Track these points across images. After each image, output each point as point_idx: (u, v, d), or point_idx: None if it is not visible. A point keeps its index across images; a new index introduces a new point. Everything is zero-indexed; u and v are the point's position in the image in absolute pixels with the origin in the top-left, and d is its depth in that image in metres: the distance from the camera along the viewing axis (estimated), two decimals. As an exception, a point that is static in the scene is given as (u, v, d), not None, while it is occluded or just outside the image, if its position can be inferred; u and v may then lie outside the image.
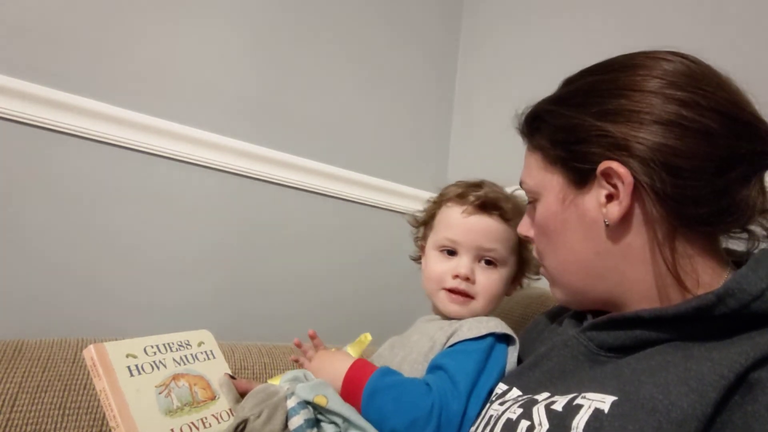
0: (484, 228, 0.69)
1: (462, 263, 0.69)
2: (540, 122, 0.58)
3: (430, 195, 0.81)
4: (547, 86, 0.59)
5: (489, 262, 0.70)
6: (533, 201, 0.59)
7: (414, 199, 1.38)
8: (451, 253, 0.70)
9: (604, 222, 0.50)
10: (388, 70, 1.47)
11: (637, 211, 0.49)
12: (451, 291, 0.69)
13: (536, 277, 0.76)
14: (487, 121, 1.50)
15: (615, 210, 0.49)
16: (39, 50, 0.95)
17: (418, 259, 0.81)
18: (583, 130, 0.51)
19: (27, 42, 0.94)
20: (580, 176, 0.52)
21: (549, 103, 0.57)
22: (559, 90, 0.58)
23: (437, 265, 0.71)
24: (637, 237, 0.49)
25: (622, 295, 0.52)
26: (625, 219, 0.49)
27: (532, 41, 1.40)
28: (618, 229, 0.50)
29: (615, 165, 0.48)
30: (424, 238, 0.78)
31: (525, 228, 0.62)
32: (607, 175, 0.49)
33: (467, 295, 0.68)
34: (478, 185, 0.73)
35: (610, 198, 0.50)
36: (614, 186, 0.49)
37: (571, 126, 0.52)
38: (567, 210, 0.53)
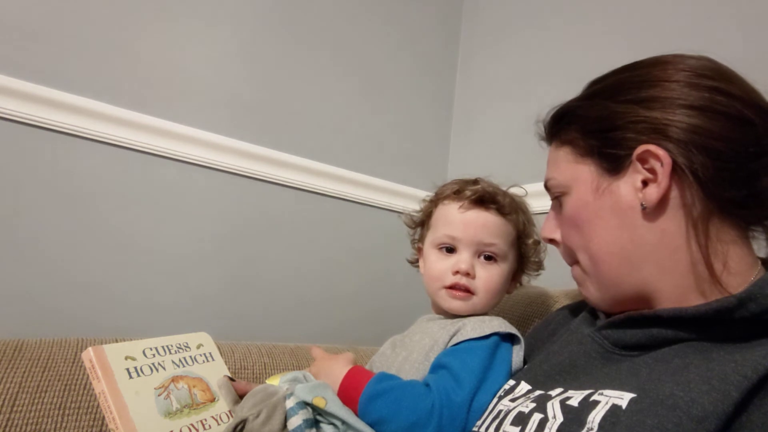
0: (483, 222, 0.68)
1: (462, 259, 0.68)
2: (570, 117, 0.58)
3: (428, 195, 0.81)
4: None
5: (489, 258, 0.69)
6: (560, 196, 0.59)
7: (413, 199, 1.37)
8: (450, 250, 0.70)
9: (641, 206, 0.50)
10: (388, 70, 1.47)
11: (674, 194, 0.49)
12: (453, 287, 0.68)
13: (536, 273, 0.76)
14: (487, 121, 1.50)
15: (653, 193, 0.49)
16: (39, 50, 0.95)
17: (415, 262, 0.80)
18: (617, 117, 0.52)
19: (27, 42, 0.94)
20: (615, 163, 0.52)
21: (578, 100, 0.58)
22: (586, 90, 0.59)
23: (437, 264, 0.70)
24: (673, 222, 0.49)
25: (654, 286, 0.51)
26: (662, 203, 0.49)
27: (532, 41, 1.39)
28: (654, 213, 0.50)
29: (653, 148, 0.49)
30: (422, 239, 0.77)
31: (550, 230, 0.62)
32: (644, 159, 0.50)
33: (468, 291, 0.68)
34: (474, 181, 0.73)
35: (645, 184, 0.50)
36: (650, 170, 0.50)
37: (604, 115, 0.53)
38: (601, 198, 0.53)
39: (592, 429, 0.41)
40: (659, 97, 0.50)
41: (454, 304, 0.68)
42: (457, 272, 0.68)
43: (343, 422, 0.55)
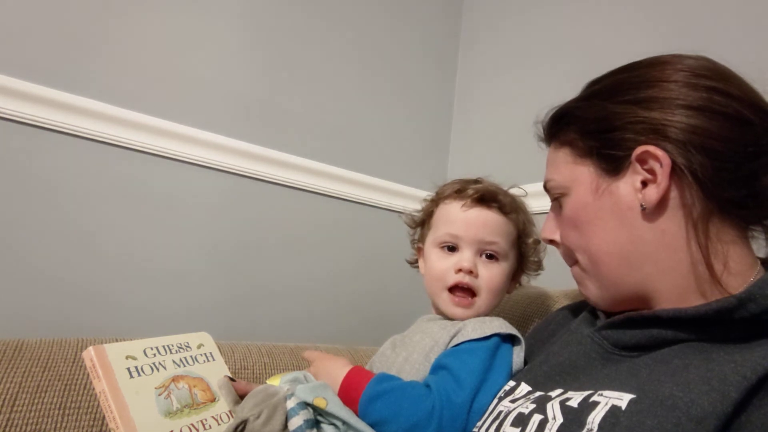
0: (484, 221, 0.69)
1: (464, 257, 0.68)
2: (569, 118, 0.58)
3: (429, 195, 0.81)
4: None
5: (490, 256, 0.69)
6: (560, 197, 0.59)
7: (414, 199, 1.37)
8: (452, 249, 0.70)
9: (641, 206, 0.50)
10: (388, 70, 1.47)
11: (674, 195, 0.49)
12: (455, 288, 0.68)
13: (536, 273, 0.76)
14: (487, 120, 1.50)
15: (653, 193, 0.49)
16: (39, 50, 0.95)
17: (414, 263, 0.80)
18: (616, 118, 0.52)
19: (27, 42, 0.94)
20: (614, 164, 0.52)
21: (577, 101, 0.58)
22: (585, 90, 0.59)
23: (439, 263, 0.70)
24: (672, 222, 0.49)
25: (654, 286, 0.51)
26: (662, 203, 0.49)
27: (531, 41, 1.39)
28: (653, 214, 0.50)
29: (652, 148, 0.49)
30: (422, 239, 0.77)
31: (549, 231, 0.62)
32: (643, 160, 0.50)
33: (471, 293, 0.68)
34: (475, 181, 0.74)
35: (644, 184, 0.50)
36: (649, 171, 0.50)
37: (603, 116, 0.53)
38: (600, 199, 0.53)
39: (591, 430, 0.41)
40: (658, 98, 0.50)
41: (456, 311, 0.68)
42: (459, 270, 0.68)
43: (344, 423, 0.55)
